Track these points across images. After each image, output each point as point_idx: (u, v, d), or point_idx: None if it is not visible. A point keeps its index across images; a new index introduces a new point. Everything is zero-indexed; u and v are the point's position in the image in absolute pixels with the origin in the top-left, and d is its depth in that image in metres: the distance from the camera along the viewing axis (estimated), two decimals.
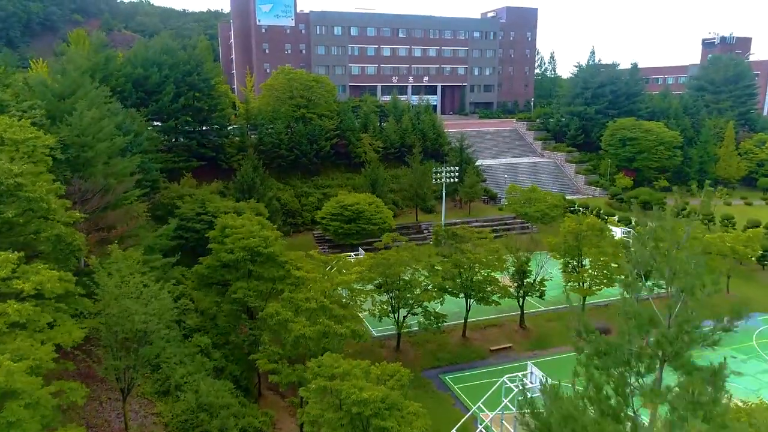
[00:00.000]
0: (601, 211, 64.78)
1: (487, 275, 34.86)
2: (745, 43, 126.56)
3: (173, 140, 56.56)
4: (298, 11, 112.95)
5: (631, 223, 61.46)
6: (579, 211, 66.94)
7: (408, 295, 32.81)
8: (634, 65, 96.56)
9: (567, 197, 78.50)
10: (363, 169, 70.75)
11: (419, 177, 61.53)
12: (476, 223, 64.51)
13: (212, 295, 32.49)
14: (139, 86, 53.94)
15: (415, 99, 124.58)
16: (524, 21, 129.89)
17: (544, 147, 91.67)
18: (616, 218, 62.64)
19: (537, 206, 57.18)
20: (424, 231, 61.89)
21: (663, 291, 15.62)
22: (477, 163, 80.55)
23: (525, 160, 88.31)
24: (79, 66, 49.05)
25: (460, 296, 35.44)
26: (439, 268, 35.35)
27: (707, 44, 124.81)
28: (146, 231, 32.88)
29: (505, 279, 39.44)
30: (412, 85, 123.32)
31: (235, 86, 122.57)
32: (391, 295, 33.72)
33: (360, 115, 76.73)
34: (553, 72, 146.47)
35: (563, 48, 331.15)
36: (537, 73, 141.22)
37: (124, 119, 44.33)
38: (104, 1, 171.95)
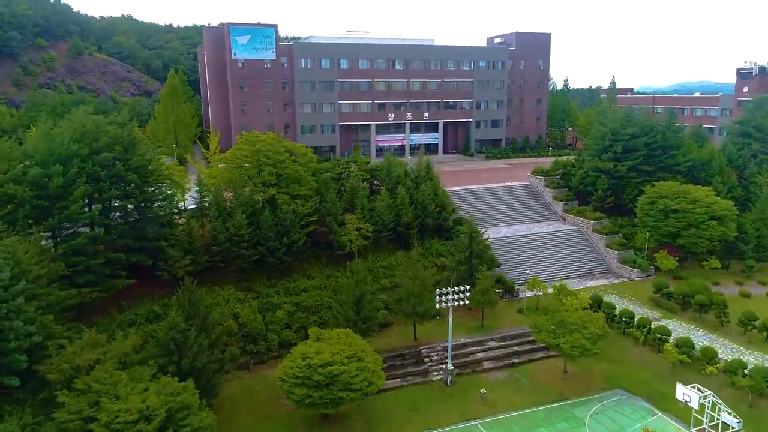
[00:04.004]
0: (651, 327, 50.43)
1: None
2: None
3: (90, 254, 42.29)
4: (279, 42, 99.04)
5: (693, 349, 47.21)
6: (621, 321, 52.73)
7: None
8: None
9: (598, 282, 64.61)
10: (349, 262, 56.88)
11: (419, 288, 47.39)
12: (491, 342, 50.65)
13: None
14: (39, 190, 39.86)
15: (414, 138, 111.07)
16: (536, 48, 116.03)
17: (566, 209, 77.55)
18: (672, 339, 48.44)
19: (574, 337, 43.07)
20: (425, 359, 47.74)
21: None
22: (488, 235, 66.68)
23: (545, 228, 74.17)
24: None
25: None
26: None
27: (743, 74, 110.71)
28: None
29: None
30: (411, 123, 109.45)
31: (211, 123, 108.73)
32: None
33: (345, 186, 62.64)
34: (565, 102, 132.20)
35: (573, 69, 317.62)
36: (549, 102, 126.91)
37: None
38: (75, 21, 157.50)
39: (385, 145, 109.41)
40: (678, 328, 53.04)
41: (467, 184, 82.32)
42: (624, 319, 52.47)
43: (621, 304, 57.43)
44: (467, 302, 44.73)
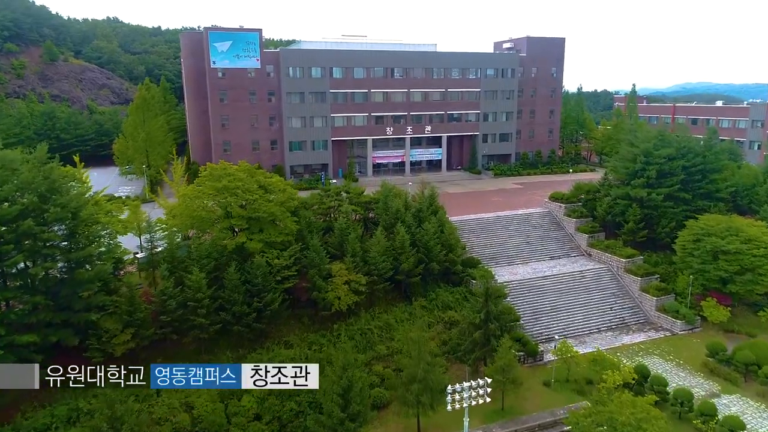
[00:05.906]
0: (718, 421, 39.79)
1: None
2: None
3: None
4: (265, 49, 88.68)
5: None
6: (678, 405, 42.11)
7: None
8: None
9: (636, 338, 54.29)
10: (337, 324, 46.51)
11: (423, 371, 36.90)
12: None
13: None
14: None
15: (415, 154, 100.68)
16: (548, 54, 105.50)
17: (591, 242, 67.04)
18: None
19: (623, 431, 32.54)
20: None
21: None
22: (503, 278, 56.74)
23: (568, 266, 63.68)
24: None
25: None
26: None
27: None
28: None
29: None
30: (411, 137, 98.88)
31: (189, 140, 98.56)
32: None
33: (333, 226, 52.12)
34: (579, 111, 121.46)
35: (572, 71, 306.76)
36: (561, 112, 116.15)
37: None
38: (50, 24, 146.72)
39: (383, 161, 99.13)
40: (746, 408, 42.74)
41: (476, 211, 71.81)
42: (681, 401, 41.93)
43: (669, 372, 47.15)
44: (488, 399, 34.17)
